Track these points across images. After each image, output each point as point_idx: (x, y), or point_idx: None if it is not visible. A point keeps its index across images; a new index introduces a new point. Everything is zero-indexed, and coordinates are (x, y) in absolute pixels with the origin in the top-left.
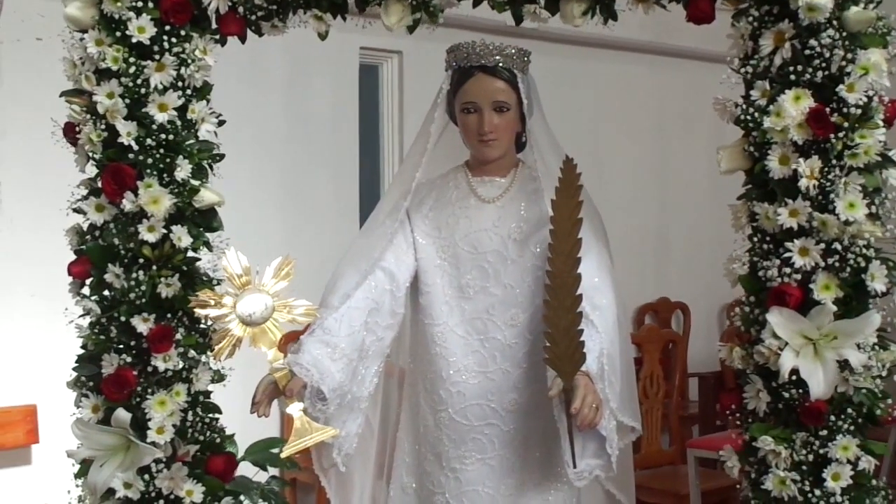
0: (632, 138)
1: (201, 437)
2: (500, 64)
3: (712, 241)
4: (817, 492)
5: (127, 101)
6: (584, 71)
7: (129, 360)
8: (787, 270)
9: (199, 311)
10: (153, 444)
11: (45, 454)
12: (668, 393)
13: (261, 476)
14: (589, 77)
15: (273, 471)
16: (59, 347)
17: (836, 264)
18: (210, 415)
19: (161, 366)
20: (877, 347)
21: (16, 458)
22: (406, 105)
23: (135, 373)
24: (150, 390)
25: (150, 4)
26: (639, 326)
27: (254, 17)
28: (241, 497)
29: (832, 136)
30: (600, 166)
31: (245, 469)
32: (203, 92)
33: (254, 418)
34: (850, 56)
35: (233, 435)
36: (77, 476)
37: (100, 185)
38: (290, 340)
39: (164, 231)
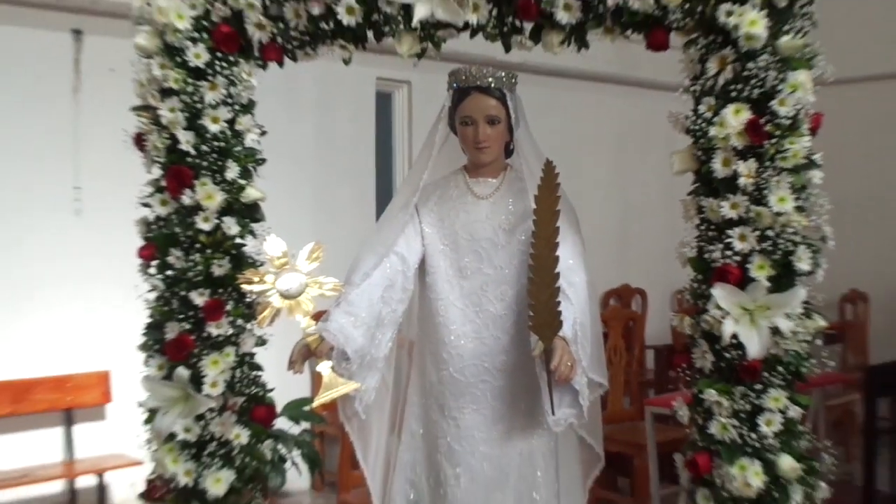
0: (598, 154)
1: (247, 391)
2: (493, 84)
3: (665, 237)
4: (753, 435)
5: (186, 114)
6: (559, 98)
7: (187, 327)
8: (729, 253)
9: (245, 287)
10: (207, 396)
11: (117, 411)
12: (629, 362)
13: (295, 430)
14: (562, 103)
15: (305, 425)
16: (127, 324)
17: (769, 248)
18: (254, 372)
19: (214, 332)
20: (803, 317)
21: (93, 415)
22: (414, 125)
23: (192, 338)
24: (205, 352)
25: (205, 35)
26: (605, 307)
27: (290, 47)
28: (279, 446)
29: (766, 142)
30: (573, 177)
31: (282, 424)
32: (248, 107)
33: (290, 376)
34: (781, 76)
35: (273, 389)
36: (145, 423)
37: (164, 184)
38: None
39: (217, 221)
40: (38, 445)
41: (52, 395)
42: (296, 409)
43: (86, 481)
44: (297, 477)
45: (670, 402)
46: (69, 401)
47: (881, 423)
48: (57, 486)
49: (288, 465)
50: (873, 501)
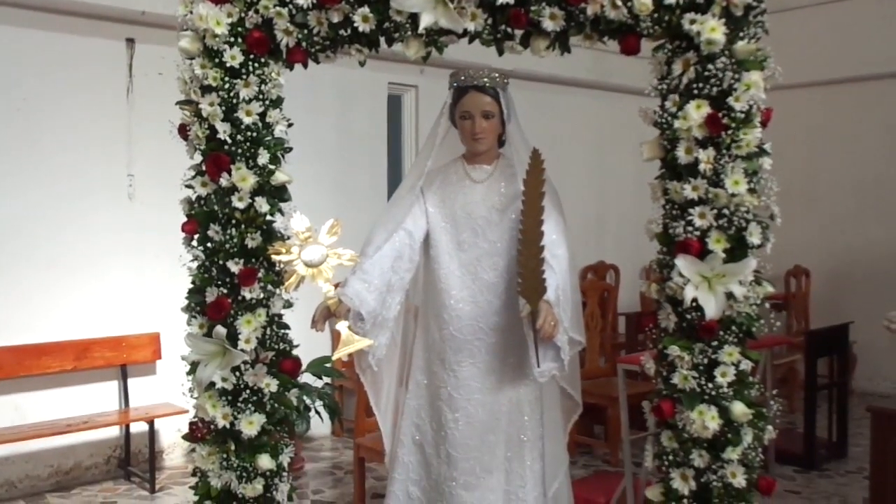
0: (578, 148)
1: (276, 346)
2: (488, 84)
3: (635, 221)
4: (710, 385)
5: (223, 108)
6: (545, 100)
7: (225, 291)
8: (690, 229)
9: (274, 257)
10: (242, 350)
11: (166, 367)
12: (604, 327)
13: (318, 384)
14: (548, 105)
15: (326, 380)
16: (174, 291)
17: (725, 225)
18: (282, 330)
19: (248, 295)
20: (753, 284)
21: (145, 370)
22: (420, 122)
23: (229, 300)
24: (239, 313)
25: (239, 40)
26: (583, 280)
27: (313, 50)
28: (304, 397)
29: (723, 133)
30: (556, 168)
31: (307, 379)
32: (277, 103)
33: (313, 334)
34: (737, 76)
35: (298, 345)
36: (188, 374)
37: (204, 168)
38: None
39: (250, 201)
40: (98, 396)
41: (109, 353)
42: (318, 366)
43: (138, 427)
44: (320, 424)
45: (639, 360)
46: (124, 358)
47: (820, 379)
48: (114, 431)
49: (312, 413)
50: (813, 446)
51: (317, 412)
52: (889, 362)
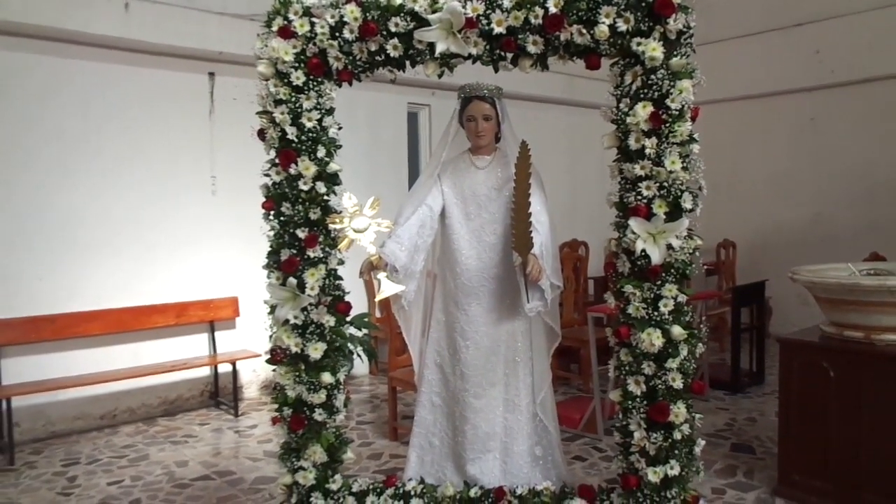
0: (555, 151)
1: (332, 293)
2: (487, 94)
3: (600, 207)
4: (655, 313)
5: (291, 116)
6: (528, 114)
7: (294, 252)
8: (639, 198)
9: (331, 226)
10: (308, 295)
11: (243, 323)
12: (577, 289)
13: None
14: (531, 118)
15: (365, 331)
16: (248, 265)
17: (665, 194)
18: (337, 281)
19: (311, 255)
20: (686, 238)
21: (228, 325)
22: (432, 133)
23: (298, 258)
24: (306, 268)
25: (302, 65)
26: (560, 253)
27: (356, 72)
28: (349, 344)
29: (663, 126)
30: (538, 167)
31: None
32: (330, 111)
33: (358, 284)
34: (672, 84)
35: (349, 292)
36: (269, 314)
37: (277, 161)
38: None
39: (312, 184)
40: (193, 345)
41: (201, 312)
42: (360, 320)
43: (224, 368)
44: (361, 365)
45: (605, 311)
46: (212, 316)
47: (743, 324)
48: (206, 371)
49: (354, 357)
50: (738, 375)
51: (358, 356)
52: (795, 313)
